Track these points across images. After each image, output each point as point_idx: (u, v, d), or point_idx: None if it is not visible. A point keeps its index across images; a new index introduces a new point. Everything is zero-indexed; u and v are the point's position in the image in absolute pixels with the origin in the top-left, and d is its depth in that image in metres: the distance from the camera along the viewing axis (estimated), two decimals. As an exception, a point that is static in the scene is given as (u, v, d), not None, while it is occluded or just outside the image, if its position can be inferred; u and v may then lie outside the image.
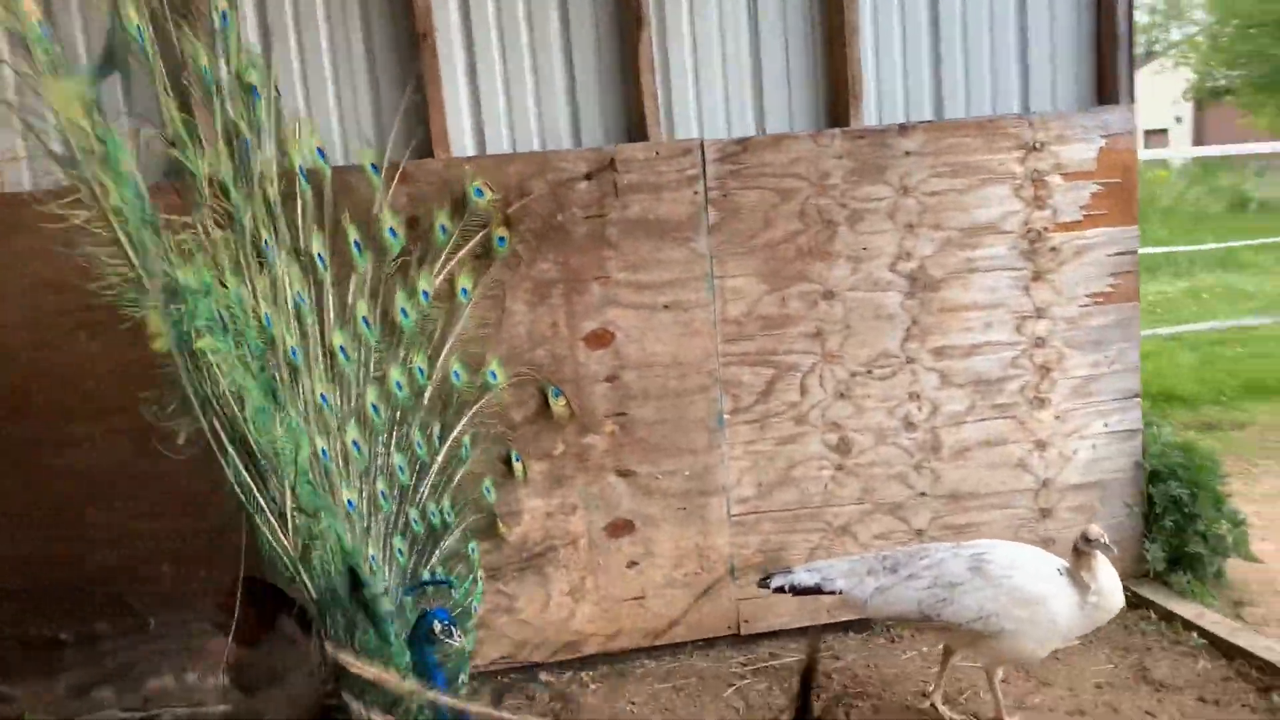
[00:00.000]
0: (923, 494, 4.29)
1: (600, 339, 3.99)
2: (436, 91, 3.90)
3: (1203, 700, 3.65)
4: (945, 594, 3.41)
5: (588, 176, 3.93)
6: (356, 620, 2.46)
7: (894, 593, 3.49)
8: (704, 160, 3.98)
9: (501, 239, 3.88)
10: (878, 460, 4.25)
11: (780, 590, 3.61)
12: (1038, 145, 4.18)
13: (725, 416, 4.10)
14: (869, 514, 4.26)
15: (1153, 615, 4.20)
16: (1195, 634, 4.03)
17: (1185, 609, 4.17)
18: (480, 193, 3.84)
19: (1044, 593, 3.37)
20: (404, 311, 3.59)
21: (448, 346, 3.72)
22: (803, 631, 4.27)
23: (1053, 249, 4.24)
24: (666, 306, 4.01)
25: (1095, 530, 3.39)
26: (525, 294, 3.94)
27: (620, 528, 4.09)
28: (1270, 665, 3.71)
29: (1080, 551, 3.38)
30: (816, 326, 4.12)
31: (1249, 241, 13.24)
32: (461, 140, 4.03)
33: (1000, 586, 3.38)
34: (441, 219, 3.76)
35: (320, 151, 3.50)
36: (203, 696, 4.00)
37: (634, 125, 4.08)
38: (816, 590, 3.59)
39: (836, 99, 4.19)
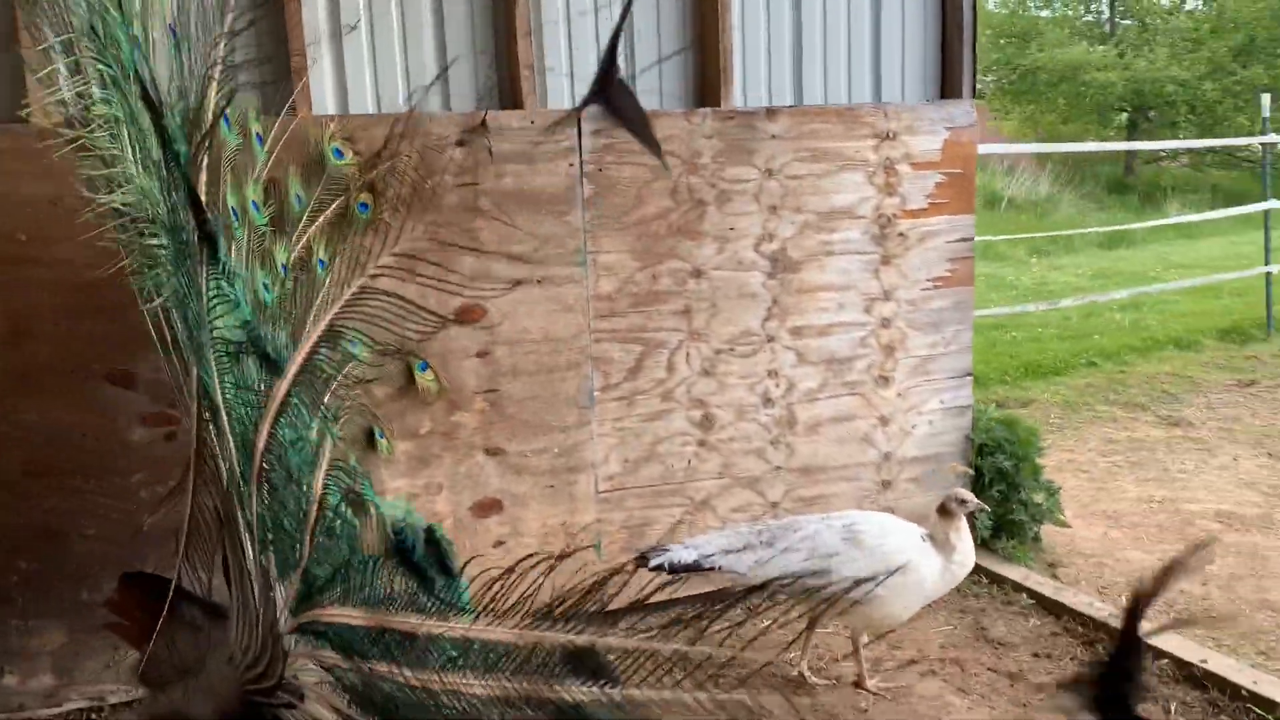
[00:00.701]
0: (778, 468, 4.42)
1: (471, 313, 3.86)
2: (299, 43, 3.64)
3: (1036, 655, 3.97)
4: (823, 565, 3.53)
5: (460, 143, 3.78)
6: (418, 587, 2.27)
7: (772, 566, 3.57)
8: (580, 132, 3.92)
9: (364, 204, 3.67)
10: (737, 436, 4.34)
11: (659, 569, 3.61)
12: (891, 135, 4.37)
13: (595, 393, 4.07)
14: (728, 488, 4.35)
15: (984, 579, 4.52)
16: (1024, 595, 4.37)
17: (1013, 572, 4.51)
18: (340, 154, 3.62)
19: (914, 559, 3.55)
20: (265, 286, 3.33)
21: (310, 320, 3.48)
22: (664, 605, 4.30)
23: (900, 234, 4.45)
24: (540, 281, 3.93)
25: (965, 493, 3.62)
26: (392, 264, 3.74)
27: (488, 507, 3.98)
28: (1092, 620, 4.07)
29: (949, 513, 3.60)
30: (685, 304, 4.15)
31: (1005, 236, 14.44)
32: (323, 99, 3.78)
33: (874, 555, 3.53)
34: (298, 183, 3.52)
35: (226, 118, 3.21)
36: (23, 700, 3.60)
37: (506, 94, 3.96)
38: (695, 567, 3.62)
39: (706, 80, 4.22)
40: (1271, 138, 9.53)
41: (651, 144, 1.83)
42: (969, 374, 4.73)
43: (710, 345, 4.23)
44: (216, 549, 2.43)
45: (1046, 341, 9.19)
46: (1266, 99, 9.52)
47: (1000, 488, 4.68)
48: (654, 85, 4.20)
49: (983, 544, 4.69)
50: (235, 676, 2.24)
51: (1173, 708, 3.53)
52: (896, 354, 4.55)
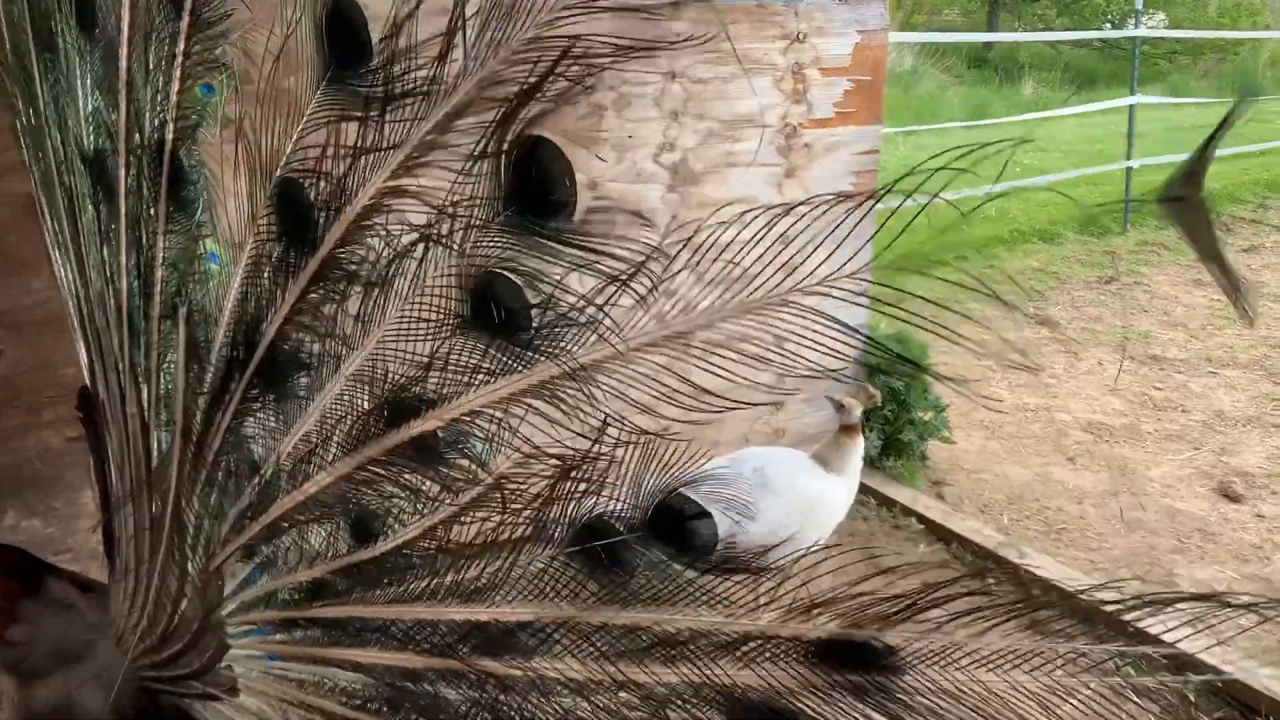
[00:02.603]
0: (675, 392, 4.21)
1: (343, 230, 3.44)
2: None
3: (929, 585, 3.96)
4: (740, 519, 3.38)
5: (327, 34, 3.29)
6: None
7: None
8: (464, 22, 3.46)
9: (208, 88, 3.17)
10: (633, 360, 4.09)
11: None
12: (800, 37, 4.06)
13: (481, 317, 3.74)
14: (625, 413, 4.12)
15: (872, 501, 4.48)
16: (914, 519, 4.35)
17: (901, 494, 4.48)
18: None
19: (823, 489, 3.44)
20: None
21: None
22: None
23: (806, 145, 4.20)
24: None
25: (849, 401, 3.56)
26: (245, 172, 3.28)
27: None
28: (982, 548, 4.09)
29: (848, 426, 3.52)
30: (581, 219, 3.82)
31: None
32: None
33: (785, 496, 3.38)
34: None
35: None
36: None
37: (379, -26, 3.46)
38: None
39: (605, -34, 3.79)
40: (1142, 31, 9.59)
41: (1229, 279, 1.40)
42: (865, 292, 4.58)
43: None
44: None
45: (919, 231, 9.18)
46: (1140, -10, 9.54)
47: (891, 407, 4.62)
48: (548, -29, 3.74)
49: (870, 463, 4.65)
50: (125, 662, 1.89)
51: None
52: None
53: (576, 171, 1.74)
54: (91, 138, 1.94)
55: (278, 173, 1.69)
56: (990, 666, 1.49)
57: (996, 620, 1.50)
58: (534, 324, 1.62)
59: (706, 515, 1.65)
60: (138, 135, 1.78)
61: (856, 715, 1.46)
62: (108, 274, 1.93)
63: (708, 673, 1.54)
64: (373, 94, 1.55)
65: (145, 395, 1.93)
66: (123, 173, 1.87)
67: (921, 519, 4.33)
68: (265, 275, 1.69)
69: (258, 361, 1.72)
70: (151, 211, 1.82)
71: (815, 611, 1.51)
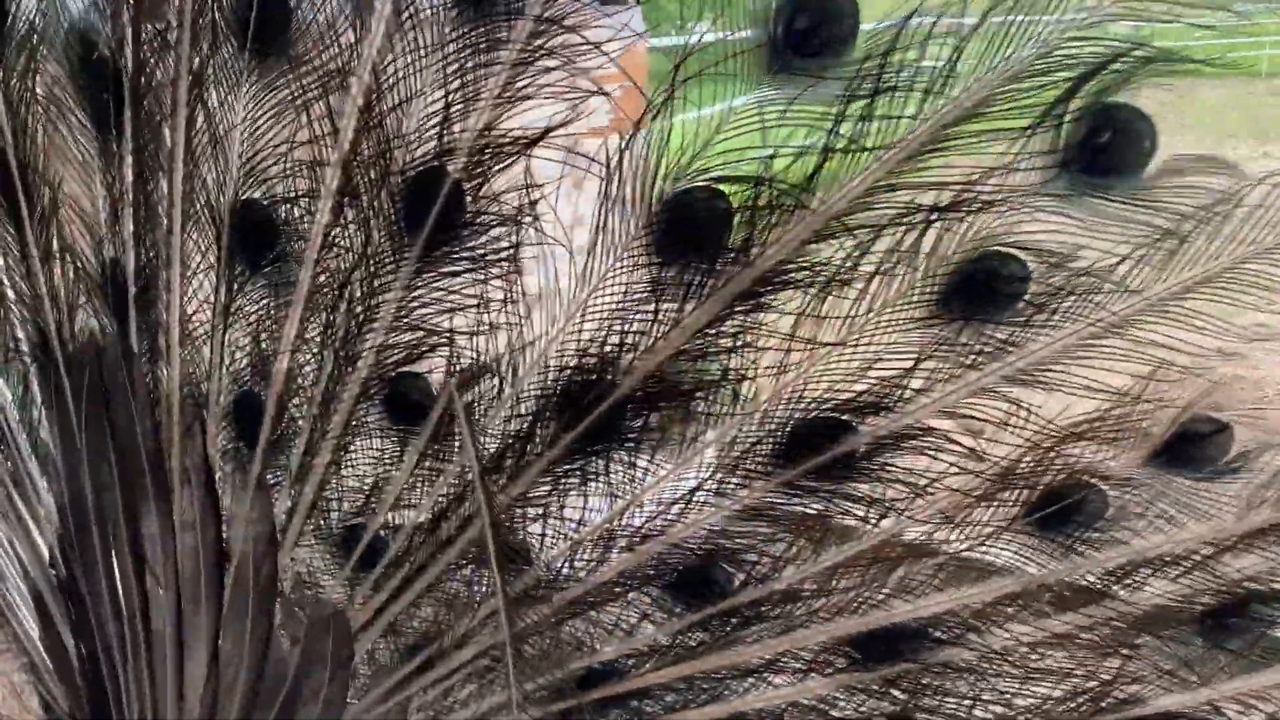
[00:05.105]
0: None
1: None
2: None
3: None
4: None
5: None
6: None
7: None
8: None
9: None
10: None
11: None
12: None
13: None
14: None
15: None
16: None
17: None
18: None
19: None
20: None
21: None
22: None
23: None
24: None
25: None
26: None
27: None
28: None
29: None
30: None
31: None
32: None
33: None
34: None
35: None
36: None
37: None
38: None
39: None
40: None
41: None
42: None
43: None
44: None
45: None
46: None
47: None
48: None
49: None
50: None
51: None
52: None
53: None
54: (238, 188, 1.45)
55: (679, 185, 1.32)
56: None
57: None
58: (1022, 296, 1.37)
59: (1226, 428, 1.50)
60: (376, 169, 1.37)
61: None
62: (223, 360, 1.50)
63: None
64: (855, 89, 1.25)
65: (282, 505, 1.52)
66: (324, 219, 1.41)
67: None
68: (639, 302, 1.39)
69: (610, 405, 1.42)
70: (388, 263, 1.39)
71: None
